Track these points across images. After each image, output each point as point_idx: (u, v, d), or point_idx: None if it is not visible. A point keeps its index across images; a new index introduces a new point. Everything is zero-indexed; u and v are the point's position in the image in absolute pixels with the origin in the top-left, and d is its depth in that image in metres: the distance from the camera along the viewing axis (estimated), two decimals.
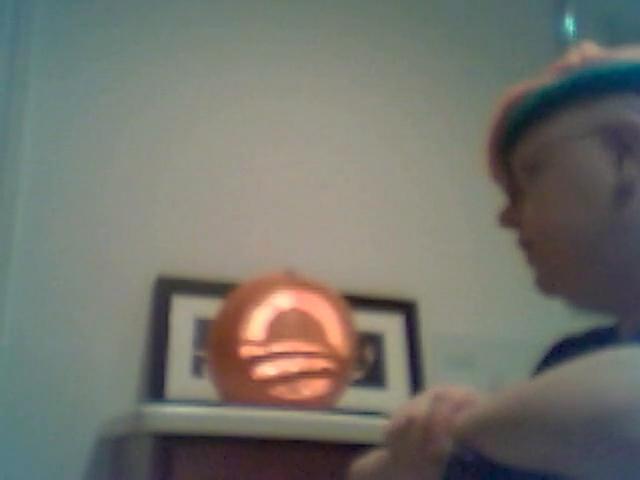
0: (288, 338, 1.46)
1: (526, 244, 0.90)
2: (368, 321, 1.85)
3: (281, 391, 1.43)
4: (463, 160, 2.03)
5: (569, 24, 2.24)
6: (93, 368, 1.70)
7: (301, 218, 1.92)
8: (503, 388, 0.72)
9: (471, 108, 2.04)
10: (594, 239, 0.82)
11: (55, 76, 1.83)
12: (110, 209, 1.80)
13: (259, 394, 1.42)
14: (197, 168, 1.88)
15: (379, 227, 1.99)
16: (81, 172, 1.80)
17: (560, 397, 0.62)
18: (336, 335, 1.50)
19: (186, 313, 1.75)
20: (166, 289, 1.76)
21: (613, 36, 2.09)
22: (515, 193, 0.93)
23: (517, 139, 0.90)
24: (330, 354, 1.48)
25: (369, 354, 1.86)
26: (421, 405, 0.80)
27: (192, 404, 1.33)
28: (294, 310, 1.48)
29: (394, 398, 1.81)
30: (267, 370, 1.44)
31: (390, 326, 1.90)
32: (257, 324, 1.45)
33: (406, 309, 1.93)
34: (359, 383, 1.79)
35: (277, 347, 1.45)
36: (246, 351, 1.44)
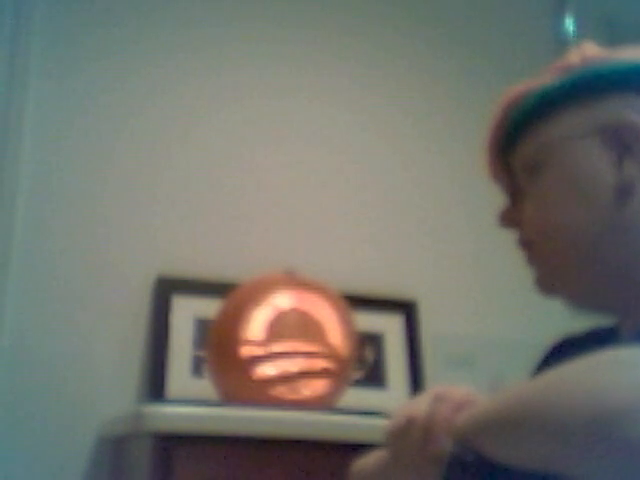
0: (288, 338, 1.46)
1: (526, 244, 0.90)
2: (368, 321, 1.85)
3: (281, 391, 1.43)
4: (463, 160, 2.03)
5: (569, 24, 2.24)
6: (93, 368, 1.70)
7: (301, 218, 1.92)
8: (503, 388, 0.72)
9: (471, 108, 2.04)
10: (594, 239, 0.82)
11: (55, 76, 1.83)
12: (110, 209, 1.80)
13: (259, 394, 1.42)
14: (197, 168, 1.88)
15: (379, 227, 1.99)
16: (81, 172, 1.80)
17: (560, 397, 0.62)
18: (336, 335, 1.50)
19: (186, 313, 1.75)
20: (166, 289, 1.76)
21: (613, 36, 2.09)
22: (515, 193, 0.93)
23: (517, 139, 0.90)
24: (330, 354, 1.48)
25: (369, 354, 1.86)
26: (421, 405, 0.80)
27: (192, 404, 1.33)
28: (294, 310, 1.48)
29: (394, 398, 1.81)
30: (267, 370, 1.44)
31: (390, 326, 1.90)
32: (257, 324, 1.45)
33: (406, 309, 1.93)
34: (359, 383, 1.79)
35: (277, 347, 1.45)
36: (246, 351, 1.44)
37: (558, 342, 0.97)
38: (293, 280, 1.52)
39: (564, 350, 0.93)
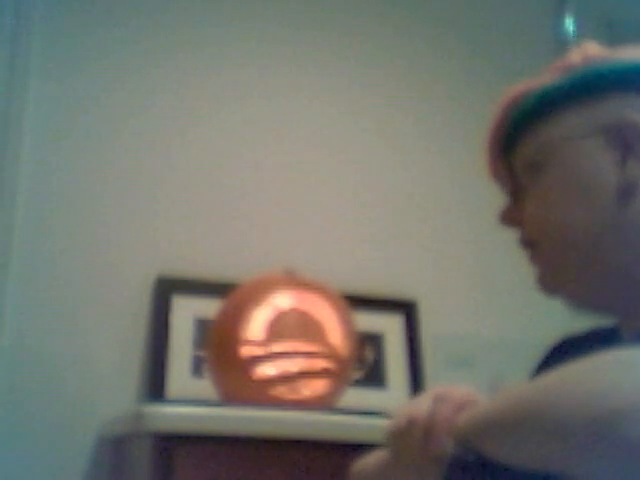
0: (288, 338, 1.46)
1: (527, 243, 0.90)
2: (368, 321, 1.85)
3: (281, 391, 1.43)
4: (463, 160, 2.03)
5: (569, 24, 2.24)
6: (93, 368, 1.70)
7: (301, 218, 1.92)
8: (504, 388, 0.72)
9: (471, 108, 2.04)
10: (595, 239, 0.82)
11: (55, 76, 1.82)
12: (110, 209, 1.80)
13: (259, 394, 1.42)
14: (197, 168, 1.88)
15: (379, 227, 1.99)
16: (81, 172, 1.80)
17: (560, 397, 0.62)
18: (336, 335, 1.50)
19: (186, 313, 1.75)
20: (166, 289, 1.76)
21: (613, 36, 2.09)
22: (516, 192, 0.93)
23: (518, 138, 0.90)
24: (330, 354, 1.48)
25: (369, 354, 1.86)
26: (422, 405, 0.80)
27: (192, 404, 1.33)
28: (294, 310, 1.48)
29: (394, 398, 1.81)
30: (267, 370, 1.44)
31: (390, 326, 1.90)
32: (257, 324, 1.45)
33: (406, 309, 1.93)
34: (359, 383, 1.79)
35: (277, 347, 1.45)
36: (246, 351, 1.44)
37: (558, 342, 0.97)
38: (293, 280, 1.52)
39: (564, 350, 0.93)
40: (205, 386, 1.55)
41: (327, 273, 1.69)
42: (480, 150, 0.97)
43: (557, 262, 0.86)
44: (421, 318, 1.93)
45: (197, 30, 1.96)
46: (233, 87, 1.95)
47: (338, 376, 1.49)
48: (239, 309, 1.47)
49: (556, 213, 0.84)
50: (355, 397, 1.68)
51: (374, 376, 1.85)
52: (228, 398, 1.45)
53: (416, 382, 1.86)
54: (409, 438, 0.79)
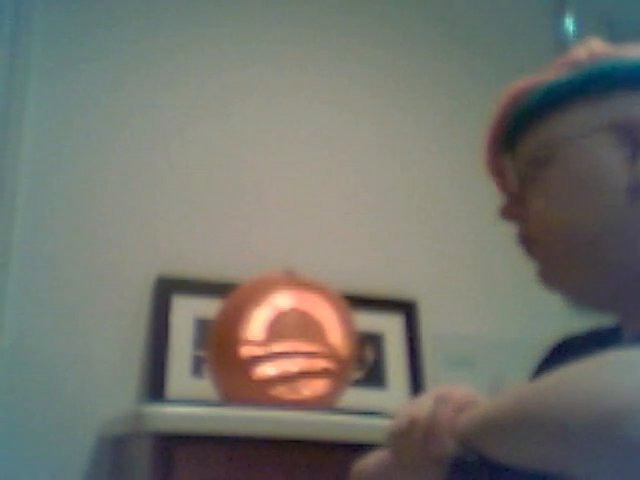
0: (288, 338, 1.46)
1: (526, 239, 0.89)
2: (368, 321, 1.85)
3: (281, 391, 1.43)
4: (463, 160, 2.03)
5: (569, 24, 2.24)
6: (93, 368, 1.70)
7: (301, 218, 1.92)
8: (504, 389, 0.72)
9: (471, 108, 2.04)
10: (598, 237, 0.81)
11: (55, 76, 1.82)
12: (110, 209, 1.80)
13: (259, 394, 1.42)
14: (197, 168, 1.88)
15: (379, 227, 1.99)
16: (81, 172, 1.80)
17: (561, 398, 0.62)
18: (336, 335, 1.50)
19: (186, 313, 1.75)
20: (166, 289, 1.76)
21: (613, 36, 2.08)
22: (517, 189, 0.92)
23: (521, 135, 0.89)
24: (330, 354, 1.48)
25: (369, 354, 1.86)
26: (423, 406, 0.79)
27: (192, 404, 1.33)
28: (294, 310, 1.48)
29: (394, 398, 1.81)
30: (267, 370, 1.44)
31: (390, 326, 1.90)
32: (257, 324, 1.45)
33: (406, 309, 1.93)
34: (359, 383, 1.79)
35: (277, 347, 1.45)
36: (246, 351, 1.44)
37: (558, 342, 0.96)
38: (293, 280, 1.52)
39: (564, 350, 0.93)
40: (205, 386, 1.55)
41: (327, 273, 1.69)
42: (480, 150, 0.97)
43: (560, 259, 0.85)
44: (421, 318, 1.93)
45: (197, 30, 1.96)
46: (233, 87, 1.95)
47: (338, 376, 1.49)
48: (239, 309, 1.47)
49: (562, 210, 0.83)
50: (355, 397, 1.68)
51: (374, 376, 1.85)
52: (228, 398, 1.45)
53: (416, 382, 1.86)
54: (410, 438, 0.79)
